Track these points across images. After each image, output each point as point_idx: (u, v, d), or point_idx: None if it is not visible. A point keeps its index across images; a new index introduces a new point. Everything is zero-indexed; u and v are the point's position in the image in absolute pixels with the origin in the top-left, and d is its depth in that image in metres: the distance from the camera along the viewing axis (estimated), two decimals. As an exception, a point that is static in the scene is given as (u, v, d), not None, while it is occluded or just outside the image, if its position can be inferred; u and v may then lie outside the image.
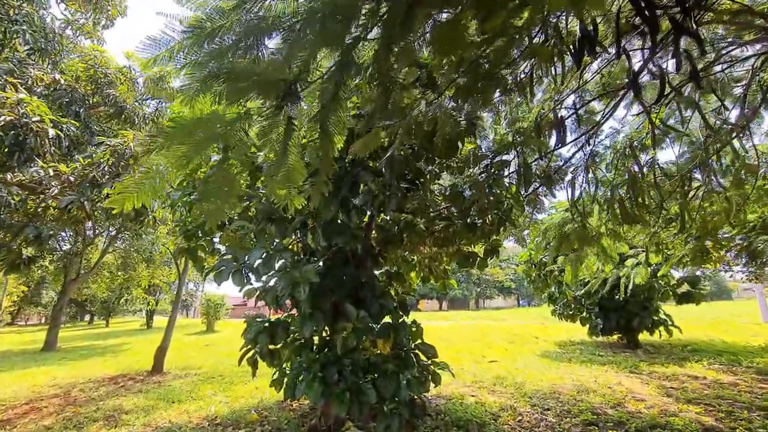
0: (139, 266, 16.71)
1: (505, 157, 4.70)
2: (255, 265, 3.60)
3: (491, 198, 4.73)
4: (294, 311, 4.07)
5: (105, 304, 26.98)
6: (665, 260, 7.37)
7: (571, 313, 10.68)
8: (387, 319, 4.18)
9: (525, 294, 53.40)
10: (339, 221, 4.08)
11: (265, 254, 3.57)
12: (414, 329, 4.41)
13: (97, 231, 14.37)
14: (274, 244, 3.87)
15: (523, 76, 3.16)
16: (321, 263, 3.92)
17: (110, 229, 14.07)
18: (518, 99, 5.03)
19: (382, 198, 3.57)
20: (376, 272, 4.85)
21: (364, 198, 3.49)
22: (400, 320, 4.24)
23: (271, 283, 3.65)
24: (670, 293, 9.37)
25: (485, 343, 11.56)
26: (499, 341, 11.88)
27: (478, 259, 5.09)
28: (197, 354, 10.98)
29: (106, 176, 4.82)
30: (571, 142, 4.58)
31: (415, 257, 6.13)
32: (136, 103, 5.92)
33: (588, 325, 10.18)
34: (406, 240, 5.10)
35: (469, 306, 51.78)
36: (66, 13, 6.84)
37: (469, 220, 4.90)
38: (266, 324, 3.79)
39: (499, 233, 4.88)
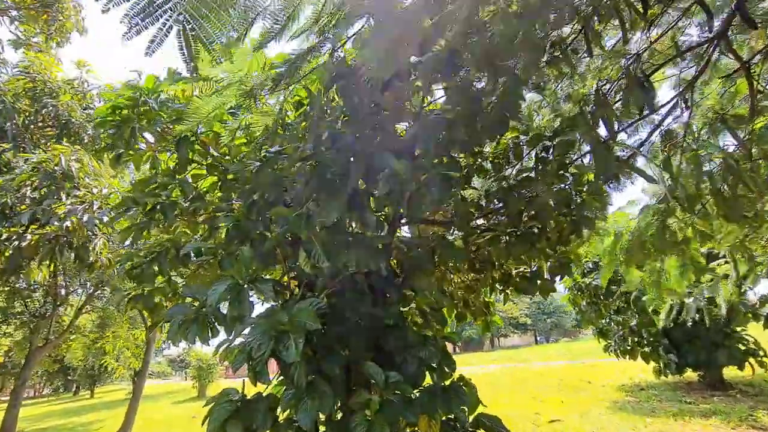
0: (121, 327, 15.10)
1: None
2: (217, 306, 2.30)
3: (556, 194, 3.48)
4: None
5: (89, 372, 24.83)
6: (750, 271, 5.96)
7: (629, 348, 9.03)
8: (426, 379, 2.79)
9: (542, 330, 51.06)
10: (348, 229, 2.81)
11: (232, 288, 2.27)
12: (468, 390, 2.98)
13: (71, 288, 12.99)
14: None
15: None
16: (322, 299, 2.59)
17: (88, 285, 12.72)
18: (567, 70, 3.93)
19: (417, 187, 2.33)
20: (402, 309, 3.48)
21: (386, 186, 2.23)
22: (448, 381, 2.84)
23: (242, 335, 2.32)
24: (750, 315, 7.81)
25: (529, 393, 9.78)
26: (545, 390, 10.09)
27: (539, 281, 3.74)
28: (179, 430, 9.21)
29: (27, 200, 3.60)
30: (666, 104, 3.42)
31: (446, 287, 4.77)
32: (85, 116, 4.91)
33: (654, 363, 8.50)
34: (438, 262, 3.79)
35: (484, 347, 48.89)
36: (17, 32, 6.08)
37: (522, 229, 3.61)
38: (239, 404, 2.40)
39: (569, 242, 3.57)
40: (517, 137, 3.78)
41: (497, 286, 4.78)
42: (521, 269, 3.85)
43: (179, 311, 2.49)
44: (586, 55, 3.49)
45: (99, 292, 13.54)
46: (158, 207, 3.05)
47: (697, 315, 6.30)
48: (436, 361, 2.66)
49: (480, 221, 4.04)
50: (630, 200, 4.71)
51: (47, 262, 4.81)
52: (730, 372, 8.65)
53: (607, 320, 9.26)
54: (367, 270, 3.02)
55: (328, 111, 2.81)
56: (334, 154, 2.43)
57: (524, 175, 3.39)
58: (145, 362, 6.54)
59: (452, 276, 4.66)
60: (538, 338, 53.51)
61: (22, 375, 11.85)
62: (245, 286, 2.31)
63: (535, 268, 3.91)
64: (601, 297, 8.07)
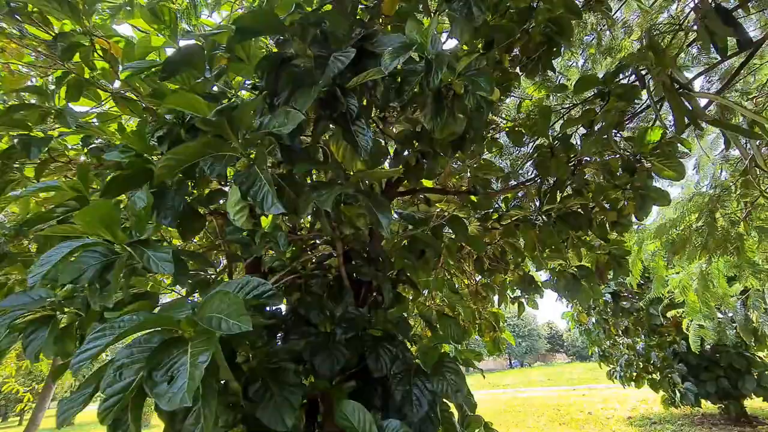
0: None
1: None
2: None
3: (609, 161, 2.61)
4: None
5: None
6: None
7: (635, 374, 8.19)
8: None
9: (516, 354, 50.97)
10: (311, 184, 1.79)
11: (87, 253, 1.20)
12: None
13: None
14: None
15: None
16: (275, 288, 1.52)
17: None
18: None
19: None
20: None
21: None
22: (469, 427, 1.81)
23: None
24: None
25: (525, 426, 8.74)
26: (539, 421, 9.08)
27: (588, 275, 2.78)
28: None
29: None
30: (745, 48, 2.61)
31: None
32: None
33: (664, 392, 7.67)
34: (446, 252, 2.80)
35: (457, 370, 47.86)
36: None
37: (563, 208, 2.69)
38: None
39: (627, 227, 2.65)
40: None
41: (514, 290, 3.82)
42: (556, 266, 2.89)
43: (17, 302, 1.42)
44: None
45: None
46: (18, 144, 1.95)
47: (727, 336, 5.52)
48: (461, 399, 1.63)
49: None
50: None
51: None
52: (749, 403, 7.91)
53: (611, 342, 8.43)
54: (347, 249, 2.00)
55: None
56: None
57: (568, 130, 2.47)
58: (47, 386, 5.16)
59: (456, 275, 3.67)
60: (513, 362, 53.14)
61: None
62: (120, 252, 1.24)
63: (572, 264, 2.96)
64: (611, 313, 7.26)
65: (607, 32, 3.72)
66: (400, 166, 2.30)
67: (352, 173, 1.45)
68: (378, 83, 1.35)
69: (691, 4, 2.71)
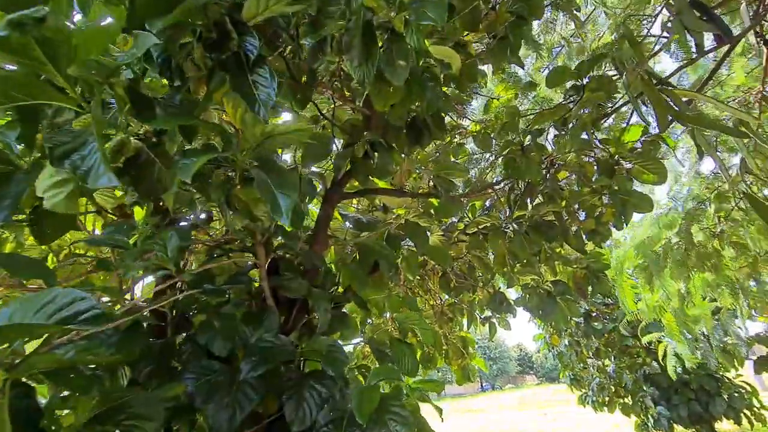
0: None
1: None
2: None
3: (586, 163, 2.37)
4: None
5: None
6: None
7: (607, 398, 7.97)
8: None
9: (487, 377, 50.93)
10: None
11: None
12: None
13: None
14: None
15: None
16: (89, 306, 1.07)
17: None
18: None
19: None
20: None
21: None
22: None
23: None
24: (739, 357, 7.14)
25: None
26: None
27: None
28: None
29: None
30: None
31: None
32: None
33: (639, 416, 7.46)
34: (403, 266, 2.43)
35: (424, 394, 47.01)
36: None
37: (537, 217, 2.40)
38: None
39: (605, 237, 2.37)
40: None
41: (484, 310, 3.48)
42: (528, 282, 2.56)
43: None
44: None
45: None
46: None
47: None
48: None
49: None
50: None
51: None
52: (719, 426, 7.83)
53: (582, 365, 8.22)
54: (275, 257, 1.60)
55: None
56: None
57: (540, 126, 2.20)
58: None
59: (419, 294, 3.30)
60: (484, 385, 52.82)
61: None
62: None
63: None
64: (582, 335, 7.05)
65: (578, 40, 3.60)
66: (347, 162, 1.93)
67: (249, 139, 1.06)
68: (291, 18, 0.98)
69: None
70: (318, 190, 1.99)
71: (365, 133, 1.87)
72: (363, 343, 1.92)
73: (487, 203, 3.46)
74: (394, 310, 2.08)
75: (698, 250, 3.24)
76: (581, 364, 7.80)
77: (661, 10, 2.68)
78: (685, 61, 2.64)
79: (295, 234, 1.84)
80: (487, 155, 3.11)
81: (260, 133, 0.84)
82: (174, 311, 1.54)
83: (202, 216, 1.73)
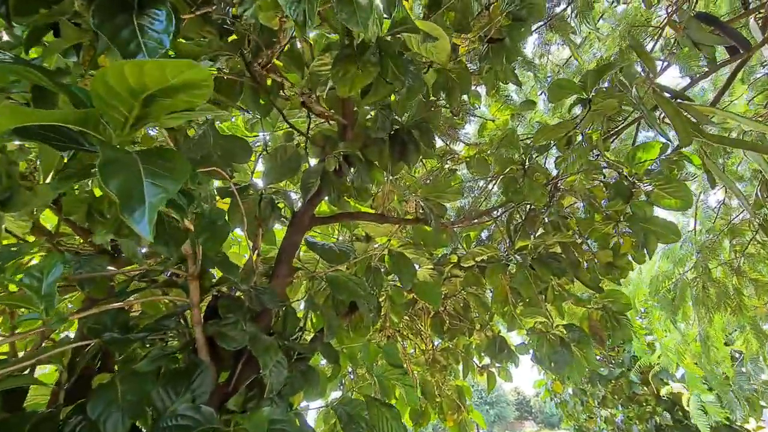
0: None
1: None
2: None
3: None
4: None
5: None
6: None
7: (616, 453, 7.27)
8: None
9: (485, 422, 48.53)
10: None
11: None
12: None
13: None
14: None
15: None
16: None
17: None
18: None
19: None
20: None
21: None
22: None
23: None
24: (758, 406, 6.60)
25: None
26: None
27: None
28: None
29: None
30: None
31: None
32: None
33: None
34: (386, 305, 2.07)
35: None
36: None
37: (542, 249, 2.09)
38: None
39: (624, 273, 2.03)
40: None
41: (481, 356, 3.07)
42: (535, 325, 2.18)
43: None
44: None
45: None
46: None
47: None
48: None
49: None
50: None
51: None
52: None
53: (588, 415, 7.58)
54: (217, 295, 1.24)
55: None
56: None
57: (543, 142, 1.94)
58: None
59: (408, 338, 2.90)
60: (479, 432, 50.26)
61: None
62: None
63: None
64: (588, 382, 6.51)
65: (574, 62, 3.45)
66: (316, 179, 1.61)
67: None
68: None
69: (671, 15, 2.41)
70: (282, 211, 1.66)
71: (340, 144, 1.57)
72: (328, 407, 1.51)
73: (483, 235, 3.14)
74: (371, 362, 1.68)
75: (719, 288, 2.89)
76: (587, 415, 7.17)
77: (664, 26, 2.52)
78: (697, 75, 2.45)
79: (249, 265, 1.49)
80: (482, 182, 2.83)
81: (128, 92, 0.52)
82: (72, 368, 1.15)
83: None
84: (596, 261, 1.99)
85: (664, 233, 1.81)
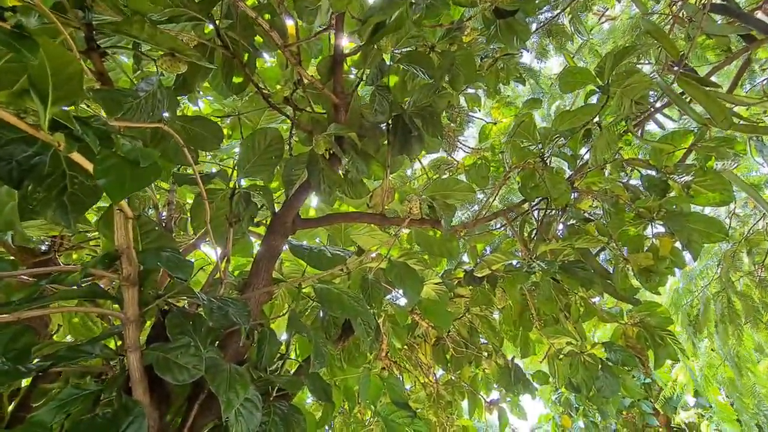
0: None
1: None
2: None
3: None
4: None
5: None
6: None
7: (630, 493, 6.70)
8: None
9: None
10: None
11: None
12: None
13: None
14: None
15: None
16: None
17: None
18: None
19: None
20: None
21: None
22: None
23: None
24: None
25: None
26: None
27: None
28: None
29: None
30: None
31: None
32: None
33: None
34: (387, 328, 1.73)
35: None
36: None
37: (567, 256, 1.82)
38: None
39: (660, 283, 1.76)
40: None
41: (489, 391, 2.70)
42: (560, 349, 1.86)
43: None
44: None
45: None
46: None
47: None
48: None
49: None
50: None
51: None
52: None
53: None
54: (166, 310, 0.90)
55: None
56: None
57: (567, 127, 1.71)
58: None
59: (406, 370, 2.54)
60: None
61: None
62: None
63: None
64: (599, 413, 6.05)
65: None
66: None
67: None
68: None
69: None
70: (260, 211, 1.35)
71: (331, 126, 1.30)
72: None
73: (487, 250, 2.87)
74: (373, 399, 1.33)
75: (746, 302, 2.63)
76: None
77: (672, 27, 2.40)
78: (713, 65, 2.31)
79: (215, 275, 1.16)
80: (487, 187, 2.58)
81: None
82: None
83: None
84: (628, 268, 1.71)
85: (709, 231, 1.55)
